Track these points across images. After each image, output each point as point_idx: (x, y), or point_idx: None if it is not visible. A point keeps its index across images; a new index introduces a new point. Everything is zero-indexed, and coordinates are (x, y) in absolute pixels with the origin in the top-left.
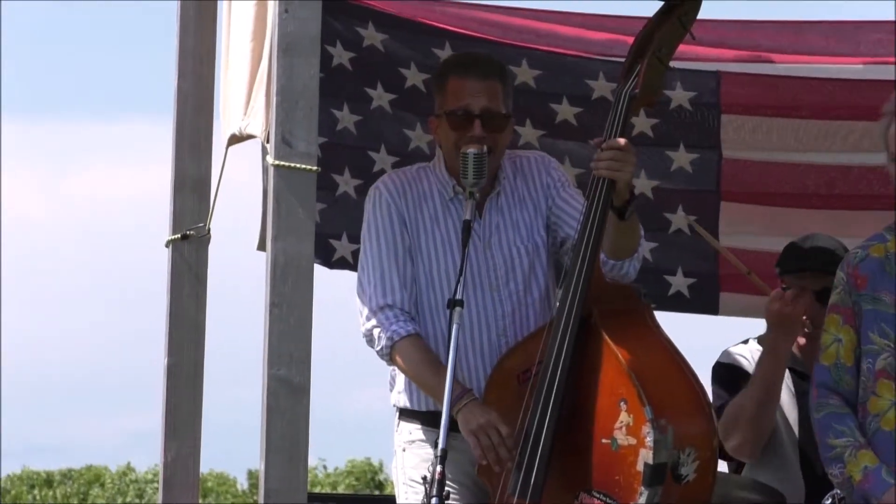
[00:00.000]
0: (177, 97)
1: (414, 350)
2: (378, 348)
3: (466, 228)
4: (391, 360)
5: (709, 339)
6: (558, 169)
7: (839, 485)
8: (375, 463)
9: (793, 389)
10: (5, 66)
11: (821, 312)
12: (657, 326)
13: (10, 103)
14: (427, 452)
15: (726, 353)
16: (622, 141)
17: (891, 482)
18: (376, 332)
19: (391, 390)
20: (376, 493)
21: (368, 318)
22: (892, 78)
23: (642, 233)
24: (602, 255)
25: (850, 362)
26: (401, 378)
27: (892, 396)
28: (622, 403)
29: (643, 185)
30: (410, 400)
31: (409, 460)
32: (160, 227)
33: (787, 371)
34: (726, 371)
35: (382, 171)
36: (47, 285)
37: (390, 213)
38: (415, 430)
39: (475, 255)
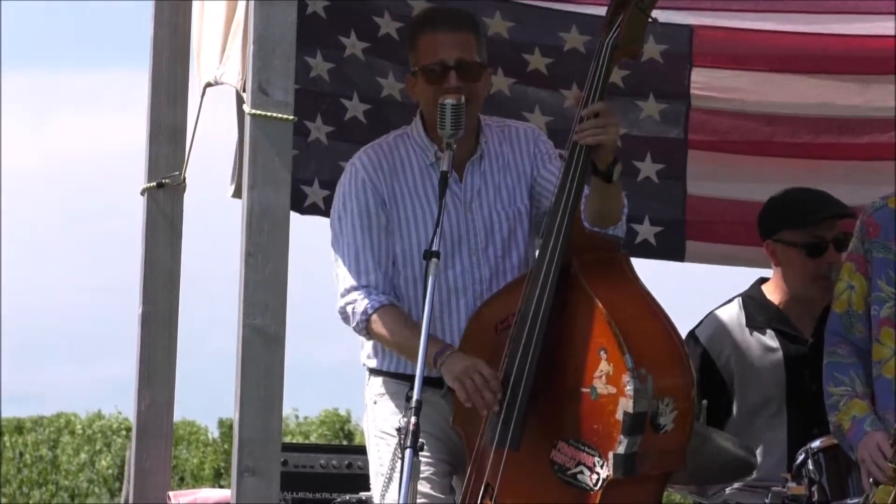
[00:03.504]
0: (153, 46)
1: (391, 318)
2: (354, 323)
3: (443, 180)
4: (368, 333)
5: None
6: (547, 142)
7: (834, 433)
8: (343, 413)
9: (779, 351)
10: None
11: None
12: (636, 277)
13: None
14: (398, 405)
15: (708, 324)
16: (600, 105)
17: (867, 431)
18: (349, 308)
19: (361, 350)
20: (345, 443)
21: (343, 296)
22: (863, 34)
23: (625, 200)
24: (586, 226)
25: (861, 309)
26: (369, 342)
27: (894, 344)
28: (602, 352)
29: None
30: (380, 363)
31: (380, 413)
32: (137, 175)
33: (771, 332)
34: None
35: (354, 119)
36: (22, 233)
37: (366, 191)
38: (385, 383)
39: (455, 217)
